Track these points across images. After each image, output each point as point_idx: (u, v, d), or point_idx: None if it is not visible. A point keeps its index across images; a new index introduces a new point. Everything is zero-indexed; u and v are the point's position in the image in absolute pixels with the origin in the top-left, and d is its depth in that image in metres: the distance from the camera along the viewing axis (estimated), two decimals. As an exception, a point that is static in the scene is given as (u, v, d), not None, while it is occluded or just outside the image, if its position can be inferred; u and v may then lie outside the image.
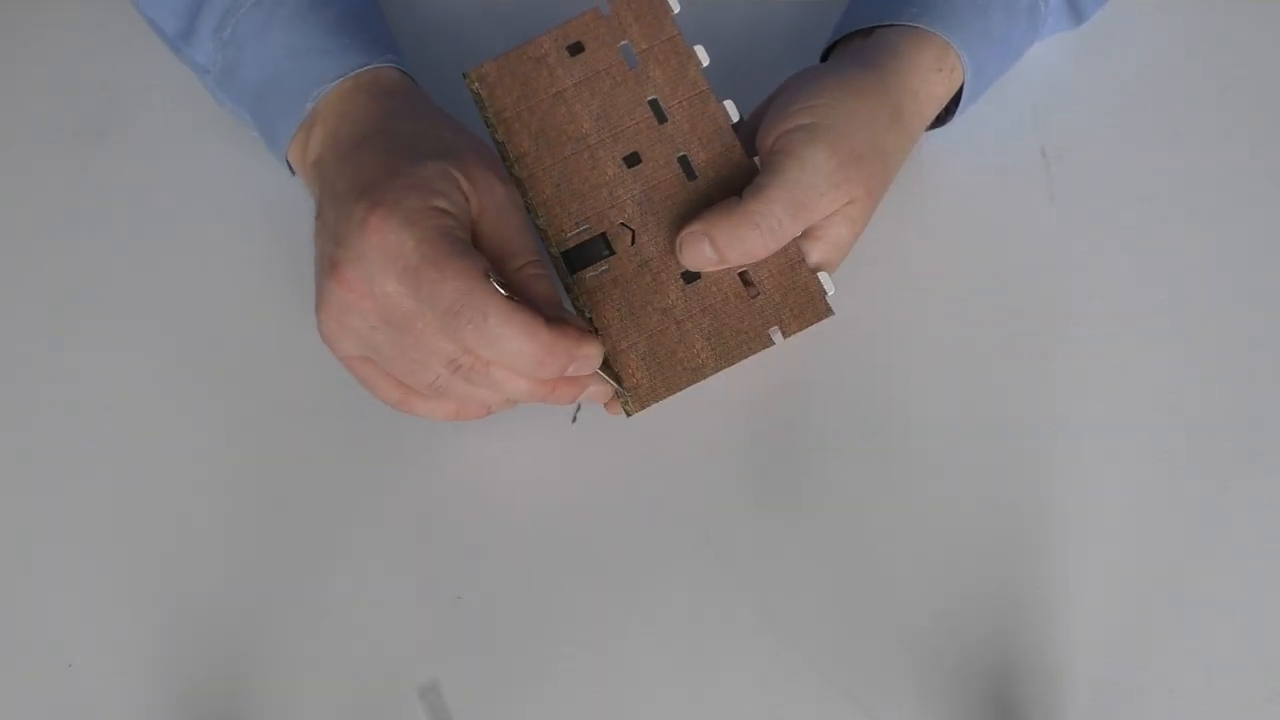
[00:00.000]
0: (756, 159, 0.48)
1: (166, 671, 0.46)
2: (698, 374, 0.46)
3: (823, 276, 0.46)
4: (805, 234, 0.47)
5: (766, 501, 0.49)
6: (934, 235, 0.54)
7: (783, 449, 0.50)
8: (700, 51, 0.48)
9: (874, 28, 0.51)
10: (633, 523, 0.49)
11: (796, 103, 0.47)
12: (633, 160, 0.47)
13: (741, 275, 0.46)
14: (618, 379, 0.46)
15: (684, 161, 0.47)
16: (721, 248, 0.45)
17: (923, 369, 0.51)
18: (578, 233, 0.47)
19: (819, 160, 0.45)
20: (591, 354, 0.43)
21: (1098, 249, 0.54)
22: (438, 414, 0.46)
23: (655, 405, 0.46)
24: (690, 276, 0.46)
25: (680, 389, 0.46)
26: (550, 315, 0.43)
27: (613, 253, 0.46)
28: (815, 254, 0.47)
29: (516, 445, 0.50)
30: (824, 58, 0.53)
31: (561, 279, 0.47)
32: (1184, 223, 0.54)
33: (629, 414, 0.46)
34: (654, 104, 0.48)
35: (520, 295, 0.43)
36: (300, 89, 0.48)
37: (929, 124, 0.51)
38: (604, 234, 0.47)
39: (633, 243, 0.46)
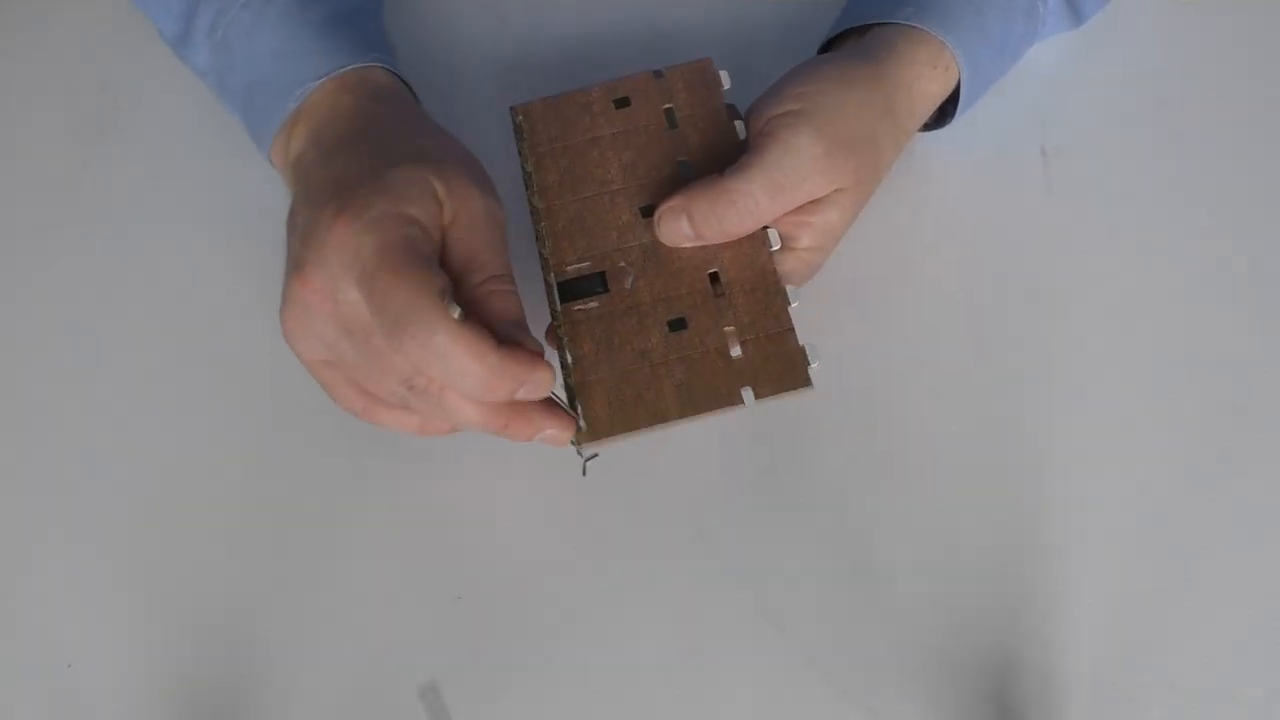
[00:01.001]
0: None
1: (166, 671, 0.46)
2: (659, 418, 0.44)
3: (809, 347, 0.45)
4: (795, 218, 0.47)
5: (766, 500, 0.49)
6: (934, 234, 0.54)
7: (782, 446, 0.50)
8: (740, 127, 0.48)
9: (870, 25, 0.51)
10: (632, 522, 0.49)
11: (786, 89, 0.47)
12: (648, 211, 0.47)
13: (732, 330, 0.45)
14: (574, 410, 0.45)
15: None
16: (698, 224, 0.45)
17: (922, 367, 0.51)
18: (578, 267, 0.47)
19: (803, 145, 0.45)
20: (541, 379, 0.42)
21: (1097, 247, 0.54)
22: (402, 425, 0.45)
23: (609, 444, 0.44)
24: (676, 326, 0.46)
25: (637, 430, 0.44)
26: (505, 334, 0.41)
27: (607, 291, 0.46)
28: (805, 239, 0.47)
29: (517, 446, 0.50)
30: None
31: (551, 307, 0.46)
32: (1183, 221, 0.54)
33: (576, 445, 0.44)
34: (683, 164, 0.48)
35: (479, 310, 0.42)
36: (283, 89, 0.48)
37: (924, 122, 0.51)
38: (603, 273, 0.47)
39: (629, 287, 0.46)
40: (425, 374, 0.41)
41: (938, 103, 0.51)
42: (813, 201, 0.47)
